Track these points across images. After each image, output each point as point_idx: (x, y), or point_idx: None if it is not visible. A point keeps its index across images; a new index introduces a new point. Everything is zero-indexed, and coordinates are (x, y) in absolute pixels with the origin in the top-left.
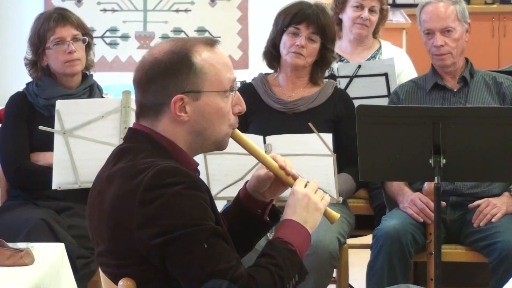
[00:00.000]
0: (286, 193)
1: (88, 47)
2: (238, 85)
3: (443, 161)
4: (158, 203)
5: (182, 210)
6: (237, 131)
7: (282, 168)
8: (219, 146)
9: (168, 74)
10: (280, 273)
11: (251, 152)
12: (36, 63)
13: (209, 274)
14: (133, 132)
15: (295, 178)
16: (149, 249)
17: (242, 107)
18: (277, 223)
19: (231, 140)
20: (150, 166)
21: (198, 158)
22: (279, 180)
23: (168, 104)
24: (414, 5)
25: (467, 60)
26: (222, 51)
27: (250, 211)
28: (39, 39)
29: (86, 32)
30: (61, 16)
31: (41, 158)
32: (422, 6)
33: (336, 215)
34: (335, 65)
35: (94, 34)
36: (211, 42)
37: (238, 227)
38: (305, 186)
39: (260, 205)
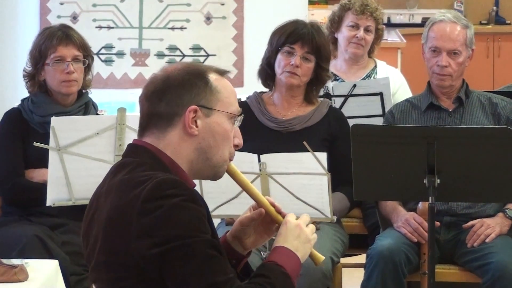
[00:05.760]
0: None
1: (88, 68)
2: None
3: (438, 181)
4: (157, 214)
5: (180, 221)
6: (233, 166)
7: (272, 204)
8: (216, 172)
9: (184, 86)
10: None
11: (244, 187)
12: (34, 77)
13: (207, 285)
14: (134, 147)
15: (283, 216)
16: (147, 259)
17: (240, 140)
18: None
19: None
20: (150, 178)
21: None
22: (264, 224)
23: (181, 115)
24: (409, 25)
25: (463, 80)
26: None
27: None
28: (40, 54)
29: (87, 54)
30: (65, 35)
31: (35, 174)
32: (433, 22)
33: (321, 257)
34: (330, 84)
35: None
36: (222, 72)
37: None
38: (296, 219)
39: (236, 256)
